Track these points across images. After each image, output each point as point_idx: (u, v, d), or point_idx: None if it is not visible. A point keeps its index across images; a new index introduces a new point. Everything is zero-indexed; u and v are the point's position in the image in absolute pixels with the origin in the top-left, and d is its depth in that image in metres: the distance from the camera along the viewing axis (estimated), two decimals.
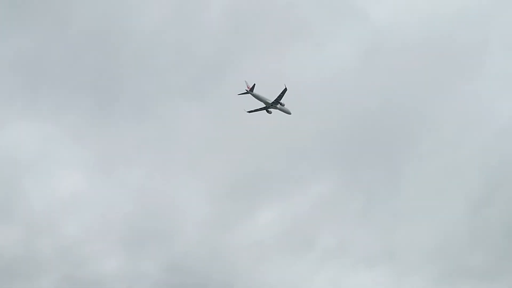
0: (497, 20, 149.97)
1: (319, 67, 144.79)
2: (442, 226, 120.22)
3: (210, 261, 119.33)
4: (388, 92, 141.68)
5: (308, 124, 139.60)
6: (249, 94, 78.28)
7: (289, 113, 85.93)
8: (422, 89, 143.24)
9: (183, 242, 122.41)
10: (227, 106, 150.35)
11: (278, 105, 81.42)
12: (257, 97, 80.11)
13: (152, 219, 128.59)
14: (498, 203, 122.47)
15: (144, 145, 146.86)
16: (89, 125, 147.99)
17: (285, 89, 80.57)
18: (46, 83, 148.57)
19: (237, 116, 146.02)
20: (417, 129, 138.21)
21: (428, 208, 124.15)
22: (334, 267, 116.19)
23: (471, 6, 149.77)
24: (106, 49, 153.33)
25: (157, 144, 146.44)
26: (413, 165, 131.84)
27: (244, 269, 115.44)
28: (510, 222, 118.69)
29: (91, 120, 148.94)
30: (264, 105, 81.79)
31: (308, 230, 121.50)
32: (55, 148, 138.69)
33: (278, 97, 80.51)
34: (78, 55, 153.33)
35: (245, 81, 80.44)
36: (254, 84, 79.92)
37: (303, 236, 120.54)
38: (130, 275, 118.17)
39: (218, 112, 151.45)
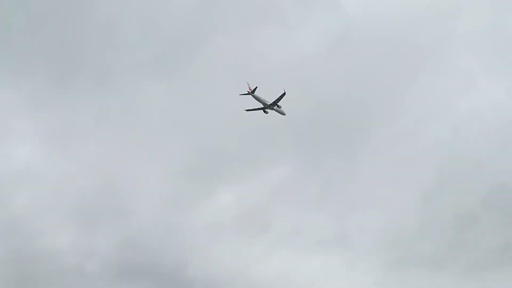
0: (462, 18, 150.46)
1: (287, 51, 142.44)
2: (395, 215, 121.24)
3: (165, 240, 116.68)
4: (353, 81, 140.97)
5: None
6: (250, 95, 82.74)
7: (284, 114, 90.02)
8: (386, 80, 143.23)
9: (138, 219, 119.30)
10: (192, 85, 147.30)
11: (275, 107, 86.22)
12: (257, 98, 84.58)
13: (108, 195, 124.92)
14: (449, 195, 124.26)
15: (104, 120, 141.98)
16: (47, 95, 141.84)
17: (284, 93, 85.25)
18: (5, 50, 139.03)
19: (201, 96, 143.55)
20: (378, 119, 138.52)
21: (382, 196, 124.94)
22: (288, 251, 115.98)
23: (440, 3, 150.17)
24: (70, 18, 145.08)
25: (117, 119, 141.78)
26: (371, 154, 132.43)
27: (199, 249, 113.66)
28: (458, 213, 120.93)
29: (50, 91, 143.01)
30: (262, 106, 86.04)
31: (265, 213, 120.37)
32: (11, 117, 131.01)
33: (276, 99, 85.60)
34: (40, 23, 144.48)
35: (247, 83, 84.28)
36: (256, 87, 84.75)
37: (260, 219, 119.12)
38: (81, 250, 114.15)
39: (182, 92, 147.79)
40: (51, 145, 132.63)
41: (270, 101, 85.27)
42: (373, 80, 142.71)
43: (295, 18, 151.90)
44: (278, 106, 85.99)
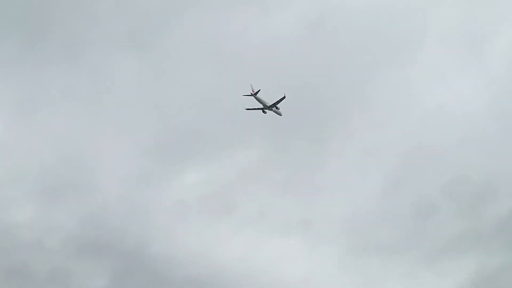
0: (436, 12, 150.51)
1: (262, 34, 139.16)
2: (358, 202, 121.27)
3: (129, 217, 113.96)
4: (326, 67, 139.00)
5: (243, 89, 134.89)
6: (252, 97, 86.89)
7: (280, 115, 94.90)
8: (360, 68, 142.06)
9: (102, 195, 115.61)
10: (165, 62, 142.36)
11: (274, 108, 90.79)
12: (258, 100, 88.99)
13: (72, 170, 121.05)
14: (411, 184, 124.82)
15: (72, 92, 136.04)
16: (13, 63, 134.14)
17: (284, 97, 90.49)
18: None
19: (174, 74, 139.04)
20: (349, 107, 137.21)
21: (348, 184, 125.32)
22: (252, 233, 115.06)
23: None
24: None
25: (86, 92, 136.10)
26: (340, 141, 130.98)
27: (163, 228, 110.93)
28: (419, 202, 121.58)
29: (16, 59, 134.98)
30: (262, 107, 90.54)
31: (231, 195, 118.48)
32: None
33: (276, 102, 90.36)
34: None
35: (251, 85, 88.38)
36: (259, 90, 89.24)
37: (225, 200, 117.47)
38: (41, 225, 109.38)
39: (155, 68, 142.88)
40: (15, 116, 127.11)
41: (270, 102, 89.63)
42: (346, 67, 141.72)
43: (273, 1, 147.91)
44: (276, 107, 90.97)
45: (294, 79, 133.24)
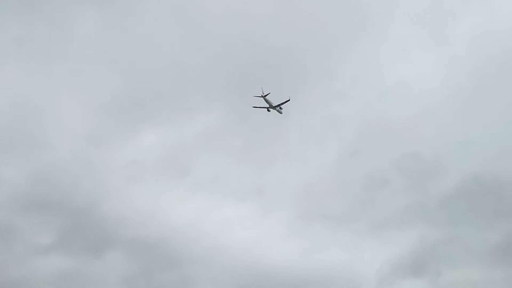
0: None
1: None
2: (313, 171, 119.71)
3: (81, 175, 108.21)
4: (295, 36, 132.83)
5: (207, 52, 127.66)
6: (262, 98, 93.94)
7: (281, 113, 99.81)
8: (327, 39, 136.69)
9: (54, 151, 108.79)
10: (129, 20, 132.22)
11: (277, 108, 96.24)
12: (267, 101, 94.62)
13: (23, 122, 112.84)
14: (364, 156, 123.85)
15: (28, 42, 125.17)
16: None
17: (288, 100, 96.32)
18: None
19: (138, 33, 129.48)
20: (313, 76, 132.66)
21: (303, 153, 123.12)
22: (205, 198, 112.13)
23: None
24: None
25: (43, 43, 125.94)
26: (301, 110, 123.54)
27: (115, 188, 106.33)
28: (371, 174, 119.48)
29: None
30: (268, 106, 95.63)
31: (187, 158, 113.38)
32: None
33: (280, 103, 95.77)
34: None
35: (261, 88, 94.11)
36: (269, 93, 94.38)
37: (181, 164, 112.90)
38: None
39: (118, 22, 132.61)
40: None
41: (276, 103, 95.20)
42: (313, 38, 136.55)
43: None
44: (280, 108, 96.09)
45: (258, 46, 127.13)
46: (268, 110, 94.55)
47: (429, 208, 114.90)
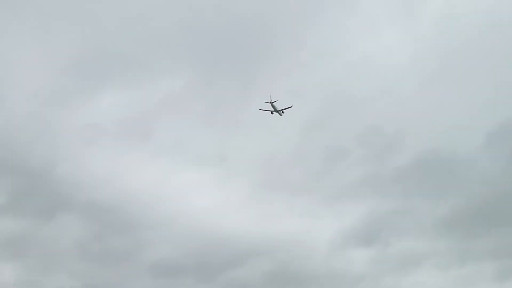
0: None
1: None
2: (276, 141, 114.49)
3: (36, 137, 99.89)
4: (265, 2, 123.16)
5: (175, 15, 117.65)
6: (270, 104, 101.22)
7: (281, 115, 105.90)
8: (297, 9, 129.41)
9: (8, 110, 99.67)
10: None
11: (280, 112, 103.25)
12: (273, 106, 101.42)
13: None
14: (327, 128, 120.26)
15: None
16: None
17: (291, 106, 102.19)
18: None
19: None
20: (281, 46, 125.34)
21: (266, 122, 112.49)
22: (165, 163, 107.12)
23: None
24: None
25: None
26: (265, 80, 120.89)
27: (72, 151, 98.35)
28: (331, 147, 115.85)
29: None
30: (273, 109, 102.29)
31: (149, 122, 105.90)
32: None
33: (284, 108, 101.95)
34: None
35: (270, 95, 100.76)
36: (276, 100, 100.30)
37: (142, 128, 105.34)
38: None
39: None
40: None
41: (279, 108, 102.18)
42: (283, 8, 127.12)
43: None
44: (282, 112, 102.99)
45: (229, 13, 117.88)
46: (272, 113, 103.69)
47: (384, 181, 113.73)
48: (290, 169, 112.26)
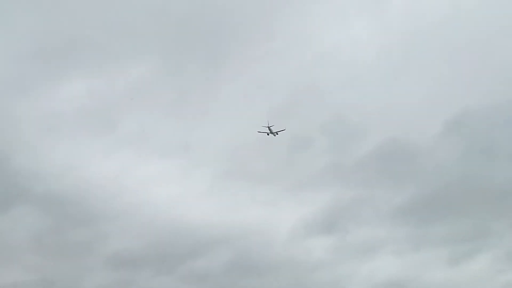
0: None
1: None
2: (238, 131, 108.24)
3: None
4: None
5: (142, 0, 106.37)
6: (267, 128, 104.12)
7: (275, 136, 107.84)
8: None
9: None
10: None
11: (275, 133, 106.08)
12: (269, 129, 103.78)
13: None
14: (292, 118, 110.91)
15: None
16: None
17: (284, 129, 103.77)
18: None
19: None
20: (249, 35, 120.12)
21: (235, 112, 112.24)
22: (129, 153, 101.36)
23: None
24: None
25: None
26: (234, 68, 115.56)
27: (30, 140, 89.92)
28: (296, 137, 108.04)
29: None
30: (269, 132, 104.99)
31: (113, 111, 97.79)
32: None
33: (278, 131, 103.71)
34: None
35: (267, 120, 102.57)
36: (273, 125, 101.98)
37: (105, 116, 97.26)
38: None
39: None
40: None
41: (274, 131, 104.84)
42: None
43: None
44: (277, 133, 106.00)
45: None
46: (268, 135, 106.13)
47: (346, 170, 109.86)
48: (255, 159, 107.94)
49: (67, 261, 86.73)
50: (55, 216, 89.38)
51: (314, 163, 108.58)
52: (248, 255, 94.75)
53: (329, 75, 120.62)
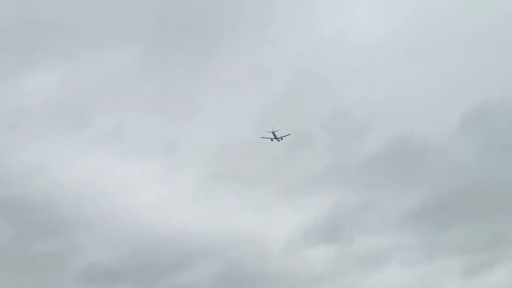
0: None
1: None
2: (234, 127, 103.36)
3: None
4: None
5: None
6: (271, 133, 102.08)
7: (279, 141, 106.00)
8: None
9: None
10: None
11: (280, 139, 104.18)
12: (274, 135, 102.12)
13: None
14: (291, 113, 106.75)
15: None
16: None
17: (289, 134, 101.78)
18: None
19: None
20: (244, 20, 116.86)
21: (221, 107, 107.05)
22: (105, 153, 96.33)
23: None
24: None
25: None
26: (224, 57, 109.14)
27: None
28: (296, 133, 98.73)
29: None
30: (273, 137, 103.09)
31: (86, 105, 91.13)
32: None
33: (283, 135, 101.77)
34: None
35: (272, 126, 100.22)
36: (278, 130, 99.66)
37: (77, 111, 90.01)
38: None
39: None
40: None
41: (279, 136, 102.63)
42: None
43: None
44: (281, 139, 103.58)
45: None
46: (272, 140, 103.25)
47: (350, 171, 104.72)
48: (247, 159, 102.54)
49: (34, 276, 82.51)
50: (20, 225, 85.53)
51: (315, 163, 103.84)
52: (240, 267, 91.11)
53: (332, 64, 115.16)
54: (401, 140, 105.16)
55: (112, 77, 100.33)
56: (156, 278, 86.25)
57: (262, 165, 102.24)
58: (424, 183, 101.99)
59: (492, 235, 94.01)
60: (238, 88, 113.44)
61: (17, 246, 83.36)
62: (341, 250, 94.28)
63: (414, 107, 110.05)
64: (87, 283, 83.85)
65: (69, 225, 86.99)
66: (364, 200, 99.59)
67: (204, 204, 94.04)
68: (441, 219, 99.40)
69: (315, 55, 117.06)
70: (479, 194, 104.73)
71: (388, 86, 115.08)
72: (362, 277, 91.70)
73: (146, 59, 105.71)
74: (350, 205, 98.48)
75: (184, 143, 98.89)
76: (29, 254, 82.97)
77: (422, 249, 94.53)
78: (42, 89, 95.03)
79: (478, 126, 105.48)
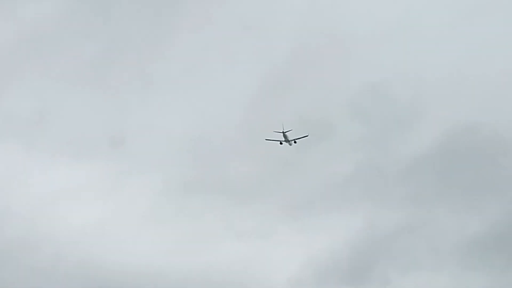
0: None
1: None
2: (209, 113, 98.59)
3: None
4: None
5: None
6: (281, 134, 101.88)
7: (290, 145, 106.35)
8: None
9: None
10: None
11: (292, 142, 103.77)
12: (285, 136, 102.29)
13: None
14: (297, 91, 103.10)
15: None
16: None
17: (307, 135, 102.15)
18: None
19: None
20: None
21: (199, 80, 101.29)
22: (15, 150, 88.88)
23: None
24: None
25: None
26: (190, 10, 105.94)
27: None
28: (303, 121, 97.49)
29: None
30: (282, 139, 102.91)
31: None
32: None
33: (297, 138, 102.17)
34: None
35: (282, 125, 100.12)
36: (291, 130, 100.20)
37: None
38: None
39: None
40: None
41: (292, 138, 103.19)
42: None
43: None
44: (294, 142, 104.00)
45: None
46: (281, 143, 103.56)
47: (385, 179, 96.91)
48: (234, 160, 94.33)
49: None
50: None
51: (334, 167, 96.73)
52: None
53: (354, 21, 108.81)
54: (462, 134, 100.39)
55: (28, 33, 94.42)
56: None
57: (256, 169, 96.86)
58: (497, 196, 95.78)
59: None
60: (219, 52, 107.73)
61: None
62: None
63: (479, 88, 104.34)
64: None
65: None
66: (407, 221, 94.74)
67: (165, 227, 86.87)
68: None
69: (333, 9, 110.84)
70: None
71: (439, 54, 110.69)
72: None
73: (78, 6, 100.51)
74: (386, 229, 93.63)
75: (135, 135, 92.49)
76: None
77: None
78: None
79: None
